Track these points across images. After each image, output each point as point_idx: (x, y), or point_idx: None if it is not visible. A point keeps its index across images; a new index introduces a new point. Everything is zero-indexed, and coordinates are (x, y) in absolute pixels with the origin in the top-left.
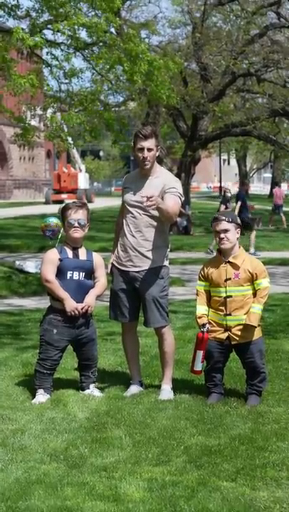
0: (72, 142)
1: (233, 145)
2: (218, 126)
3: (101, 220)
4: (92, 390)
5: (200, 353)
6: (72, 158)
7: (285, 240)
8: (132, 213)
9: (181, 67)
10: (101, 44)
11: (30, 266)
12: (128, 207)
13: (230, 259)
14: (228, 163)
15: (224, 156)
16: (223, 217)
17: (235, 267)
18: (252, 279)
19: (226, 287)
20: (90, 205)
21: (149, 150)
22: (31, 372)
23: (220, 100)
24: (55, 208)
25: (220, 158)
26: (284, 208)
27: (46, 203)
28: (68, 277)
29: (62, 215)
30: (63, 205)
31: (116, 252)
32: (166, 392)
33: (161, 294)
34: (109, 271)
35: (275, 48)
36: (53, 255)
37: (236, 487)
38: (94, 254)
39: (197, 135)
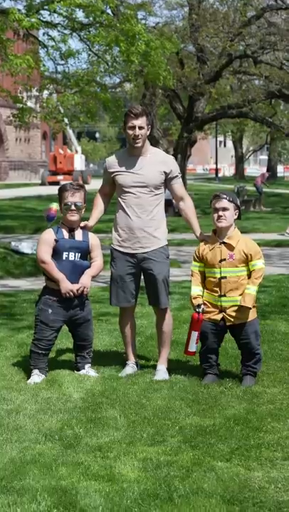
0: (68, 123)
1: (229, 127)
2: (214, 108)
3: None
4: (88, 371)
5: (195, 334)
6: (69, 139)
7: (281, 221)
8: (135, 194)
9: (178, 48)
10: (98, 25)
11: (25, 247)
12: (127, 189)
13: (225, 240)
14: (224, 145)
15: (220, 138)
16: (225, 196)
17: (230, 247)
18: (247, 260)
19: (220, 268)
20: (86, 187)
21: (140, 128)
22: (26, 352)
23: (216, 82)
24: (50, 189)
25: (216, 140)
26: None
27: (42, 184)
28: (64, 258)
29: (59, 196)
30: (61, 187)
31: (115, 236)
32: (162, 372)
33: (168, 273)
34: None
35: (271, 29)
36: (48, 236)
37: (231, 467)
38: (90, 234)
39: (193, 117)
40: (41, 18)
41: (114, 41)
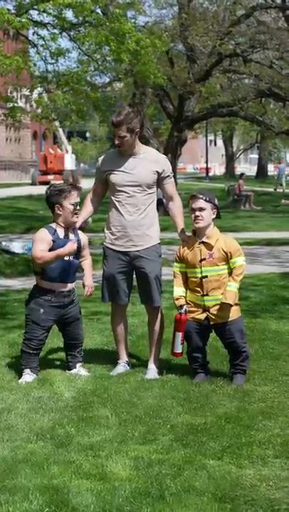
0: (58, 123)
1: (219, 126)
2: (204, 107)
3: None
4: (79, 370)
5: (179, 335)
6: (59, 139)
7: (271, 220)
8: (128, 193)
9: (168, 46)
10: (87, 24)
11: (16, 247)
12: (120, 188)
13: (204, 240)
14: (215, 144)
15: (211, 137)
16: (201, 196)
17: (209, 246)
18: (227, 258)
19: (201, 267)
20: None
21: (121, 137)
22: (18, 352)
23: (206, 81)
24: (41, 189)
25: (206, 139)
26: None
27: (33, 184)
28: (61, 258)
29: (64, 195)
30: (60, 186)
31: (108, 234)
32: (153, 371)
33: (160, 272)
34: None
35: (261, 28)
36: (45, 234)
37: (222, 465)
38: (80, 233)
39: (183, 116)
40: (31, 18)
41: (104, 40)
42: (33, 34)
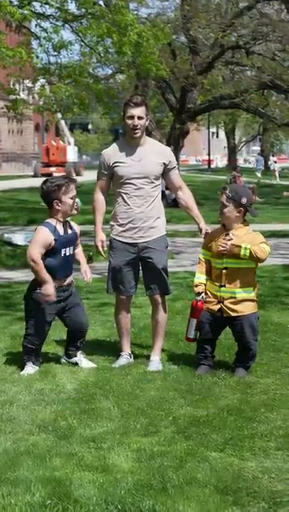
0: (61, 115)
1: (221, 118)
2: (206, 99)
3: (90, 193)
4: (80, 358)
5: (193, 321)
6: (61, 131)
7: (274, 212)
8: (136, 185)
9: (170, 38)
10: (90, 16)
11: (18, 238)
12: (128, 180)
13: (231, 233)
14: (217, 136)
15: (213, 129)
16: (226, 192)
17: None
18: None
19: (223, 259)
20: (79, 179)
21: (139, 118)
22: (19, 344)
23: (208, 73)
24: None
25: (208, 131)
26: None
27: (35, 176)
28: (62, 255)
29: (65, 189)
30: (57, 181)
31: (115, 226)
32: (155, 363)
33: (167, 262)
34: (103, 249)
35: (263, 20)
36: (46, 237)
37: (224, 457)
38: (73, 223)
39: (186, 108)
40: (33, 10)
41: (106, 32)
42: (36, 26)
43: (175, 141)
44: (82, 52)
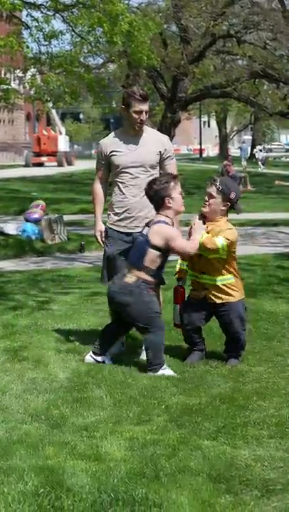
0: (52, 104)
1: (213, 107)
2: (198, 88)
3: (82, 183)
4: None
5: (177, 307)
6: (52, 120)
7: (265, 201)
8: (132, 174)
9: (161, 28)
10: (81, 5)
11: (10, 228)
12: (124, 169)
13: (208, 225)
14: (208, 125)
15: (204, 118)
16: (216, 183)
17: (211, 231)
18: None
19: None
20: (70, 168)
21: (147, 113)
22: (12, 333)
23: (200, 62)
24: (35, 171)
25: (200, 120)
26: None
27: (26, 165)
28: None
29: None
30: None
31: (111, 215)
32: None
33: None
34: (102, 239)
35: (255, 9)
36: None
37: (217, 446)
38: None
39: (177, 97)
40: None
41: (98, 22)
42: (27, 16)
43: (166, 130)
44: (73, 41)
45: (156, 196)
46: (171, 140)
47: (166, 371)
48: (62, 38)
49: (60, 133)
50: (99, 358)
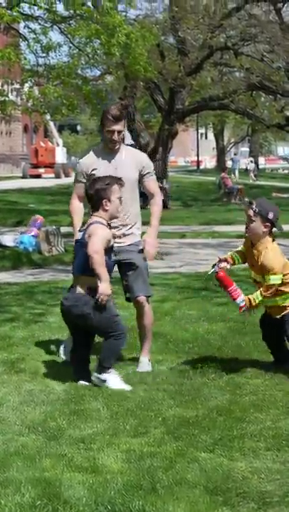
0: (49, 117)
1: (210, 119)
2: (195, 100)
3: None
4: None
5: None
6: (50, 132)
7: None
8: None
9: (158, 39)
10: (78, 17)
11: (7, 240)
12: None
13: (254, 248)
14: (206, 137)
15: (202, 130)
16: (253, 206)
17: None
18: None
19: (251, 272)
20: (68, 180)
21: (119, 132)
22: (8, 345)
23: (197, 74)
24: (32, 183)
25: (197, 132)
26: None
27: (23, 177)
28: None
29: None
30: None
31: None
32: (144, 364)
33: (146, 264)
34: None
35: (252, 21)
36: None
37: (214, 458)
38: None
39: (174, 109)
40: (21, 11)
41: (95, 34)
42: (24, 27)
43: (163, 142)
44: (70, 53)
45: (96, 196)
46: (168, 152)
47: (111, 376)
48: (60, 50)
49: (58, 145)
50: (83, 382)
